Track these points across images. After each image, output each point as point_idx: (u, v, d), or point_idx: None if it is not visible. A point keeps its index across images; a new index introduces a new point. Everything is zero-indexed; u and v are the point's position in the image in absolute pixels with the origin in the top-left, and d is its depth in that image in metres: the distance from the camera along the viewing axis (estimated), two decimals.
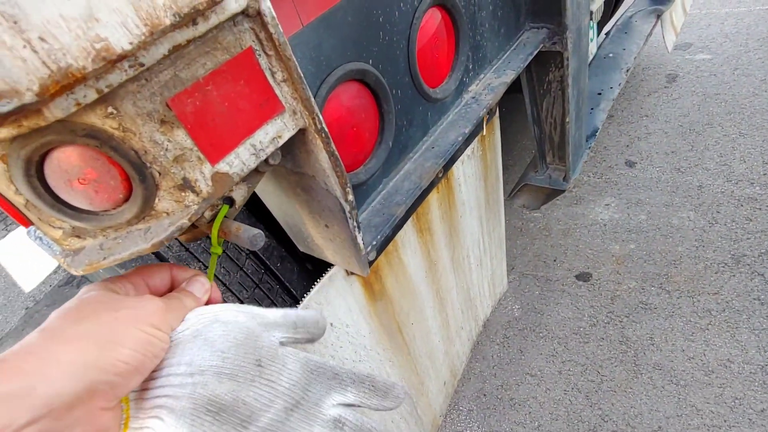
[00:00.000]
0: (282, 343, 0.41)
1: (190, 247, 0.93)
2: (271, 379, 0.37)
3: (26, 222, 0.41)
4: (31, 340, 0.32)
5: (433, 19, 0.83)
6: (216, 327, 0.38)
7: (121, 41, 0.30)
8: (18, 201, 0.39)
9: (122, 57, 0.30)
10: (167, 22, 0.32)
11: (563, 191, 1.36)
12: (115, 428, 0.33)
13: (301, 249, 0.81)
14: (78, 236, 0.43)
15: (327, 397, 0.39)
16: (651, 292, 1.66)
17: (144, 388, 0.36)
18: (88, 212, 0.41)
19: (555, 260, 1.89)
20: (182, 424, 0.34)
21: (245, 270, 1.04)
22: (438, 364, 1.32)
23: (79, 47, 0.28)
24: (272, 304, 1.11)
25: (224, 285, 1.00)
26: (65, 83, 0.28)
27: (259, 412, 0.36)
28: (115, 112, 0.35)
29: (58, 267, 3.10)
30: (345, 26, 0.65)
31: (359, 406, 0.39)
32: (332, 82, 0.65)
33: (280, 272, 1.12)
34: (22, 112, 0.27)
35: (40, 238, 0.43)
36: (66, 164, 0.37)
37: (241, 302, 1.02)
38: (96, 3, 0.28)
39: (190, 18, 0.34)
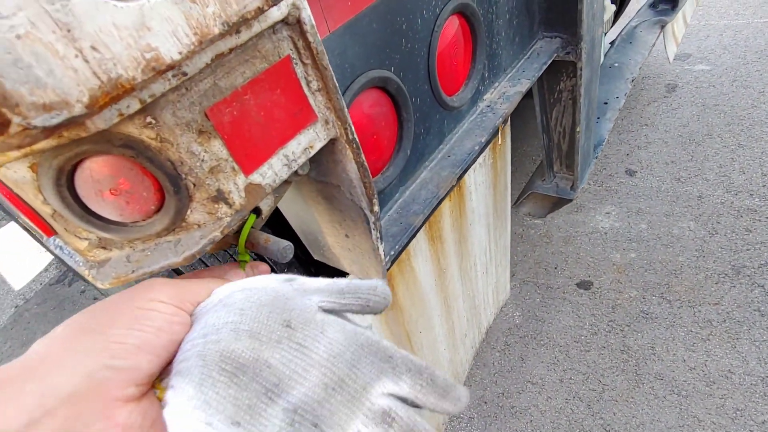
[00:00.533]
0: (323, 309, 0.34)
1: None
2: (304, 344, 0.31)
3: (50, 231, 0.40)
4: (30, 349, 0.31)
5: (452, 27, 0.82)
6: (239, 293, 0.35)
7: (171, 51, 0.28)
8: (45, 211, 0.37)
9: (170, 67, 0.29)
10: (216, 31, 0.31)
11: (570, 200, 1.36)
12: (146, 420, 0.29)
13: (316, 257, 0.80)
14: (104, 247, 0.41)
15: (377, 382, 0.31)
16: (652, 302, 1.66)
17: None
18: (116, 223, 0.39)
19: (556, 268, 1.89)
20: (188, 383, 0.29)
21: None
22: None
23: (130, 57, 0.27)
24: None
25: None
26: (114, 94, 0.26)
27: (290, 381, 0.29)
28: (153, 122, 0.33)
29: (49, 265, 3.04)
30: (370, 33, 0.64)
31: (412, 402, 0.31)
32: (356, 90, 0.64)
33: None
34: (69, 124, 0.26)
35: (61, 248, 0.41)
36: (98, 174, 0.35)
37: None
38: (149, 11, 0.27)
39: (237, 27, 0.32)
